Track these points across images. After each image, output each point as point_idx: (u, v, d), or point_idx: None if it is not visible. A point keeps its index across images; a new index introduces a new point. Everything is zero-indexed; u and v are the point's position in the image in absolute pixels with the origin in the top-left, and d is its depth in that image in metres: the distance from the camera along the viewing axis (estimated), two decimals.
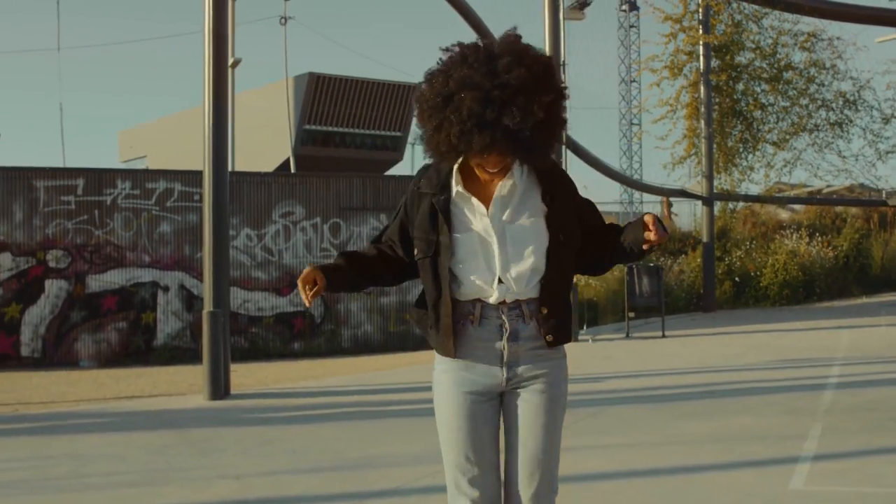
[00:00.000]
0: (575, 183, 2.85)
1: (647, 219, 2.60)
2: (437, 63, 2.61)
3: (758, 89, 20.64)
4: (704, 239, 19.93)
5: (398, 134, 20.03)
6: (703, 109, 19.65)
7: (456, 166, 2.71)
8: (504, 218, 2.68)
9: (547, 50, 14.00)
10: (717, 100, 20.19)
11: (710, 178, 20.01)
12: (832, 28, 21.73)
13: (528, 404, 2.73)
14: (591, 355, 11.77)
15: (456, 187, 2.70)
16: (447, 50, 2.61)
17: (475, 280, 2.68)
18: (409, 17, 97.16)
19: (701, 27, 19.12)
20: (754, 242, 21.92)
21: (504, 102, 2.45)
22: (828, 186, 24.01)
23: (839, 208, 24.58)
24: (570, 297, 2.88)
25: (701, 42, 18.97)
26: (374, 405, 8.49)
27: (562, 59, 14.50)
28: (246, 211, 13.44)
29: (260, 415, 8.10)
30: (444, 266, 2.68)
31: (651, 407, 7.88)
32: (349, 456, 6.08)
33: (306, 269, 2.73)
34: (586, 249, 2.79)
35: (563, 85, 2.64)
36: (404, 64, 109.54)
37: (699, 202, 20.81)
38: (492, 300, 2.69)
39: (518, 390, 2.75)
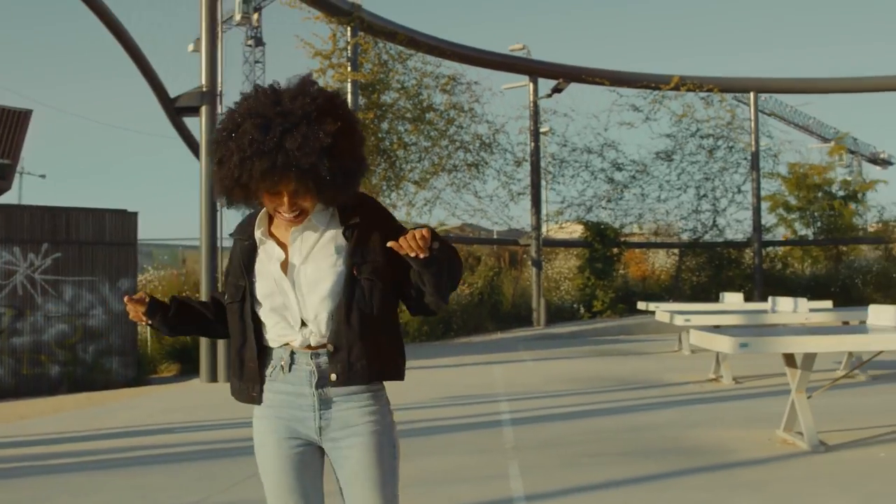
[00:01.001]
0: (389, 213, 2.67)
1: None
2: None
3: (401, 129, 21.04)
4: None
5: (7, 162, 18.30)
6: None
7: (263, 211, 2.59)
8: (296, 261, 2.54)
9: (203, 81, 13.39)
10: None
11: None
12: (470, 72, 22.71)
13: (348, 461, 2.53)
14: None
15: (257, 231, 2.59)
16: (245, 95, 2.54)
17: (278, 324, 2.55)
18: (30, 34, 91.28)
19: (349, 65, 19.17)
20: None
21: (286, 129, 2.39)
22: (441, 225, 24.84)
23: (474, 246, 25.69)
24: (391, 333, 2.67)
25: (349, 79, 19.00)
26: (37, 459, 7.45)
27: (218, 90, 13.83)
28: None
29: None
30: (248, 312, 2.56)
31: None
32: None
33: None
34: (408, 286, 2.62)
35: (352, 118, 2.52)
36: (21, 86, 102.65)
37: None
38: (296, 345, 2.54)
39: (337, 443, 2.55)
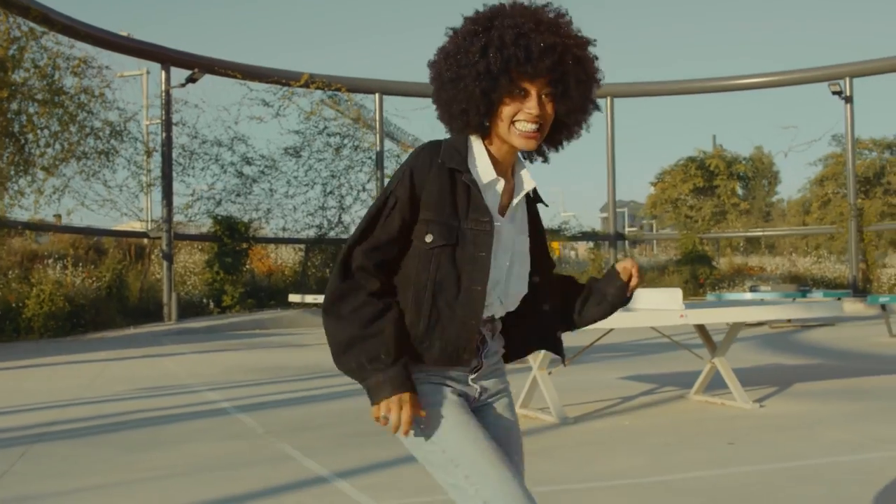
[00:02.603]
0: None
1: (624, 266, 2.49)
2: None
3: (32, 110, 19.51)
4: None
5: None
6: None
7: (478, 146, 2.29)
8: (513, 231, 2.32)
9: None
10: None
11: None
12: (103, 56, 21.58)
13: (500, 420, 2.38)
14: None
15: (477, 167, 2.27)
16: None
17: (490, 289, 2.25)
18: None
19: None
20: (13, 272, 20.56)
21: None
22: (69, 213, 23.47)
23: (99, 238, 24.34)
24: None
25: None
26: None
27: None
28: None
29: None
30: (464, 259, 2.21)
31: (85, 442, 6.89)
32: None
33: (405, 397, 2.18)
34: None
35: None
36: None
37: None
38: (495, 314, 2.31)
39: (489, 407, 2.38)
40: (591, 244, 32.24)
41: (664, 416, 7.57)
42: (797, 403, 7.98)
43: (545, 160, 2.39)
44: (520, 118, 2.22)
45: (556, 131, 2.31)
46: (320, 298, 16.06)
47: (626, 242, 32.22)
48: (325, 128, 26.49)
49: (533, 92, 2.20)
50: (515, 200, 2.30)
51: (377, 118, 26.86)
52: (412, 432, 2.22)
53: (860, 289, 26.04)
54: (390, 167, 27.74)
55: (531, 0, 2.24)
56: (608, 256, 29.99)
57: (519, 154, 2.35)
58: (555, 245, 29.58)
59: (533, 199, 2.42)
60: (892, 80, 41.07)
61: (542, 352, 7.61)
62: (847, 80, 26.47)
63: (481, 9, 2.24)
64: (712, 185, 38.14)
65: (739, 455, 5.86)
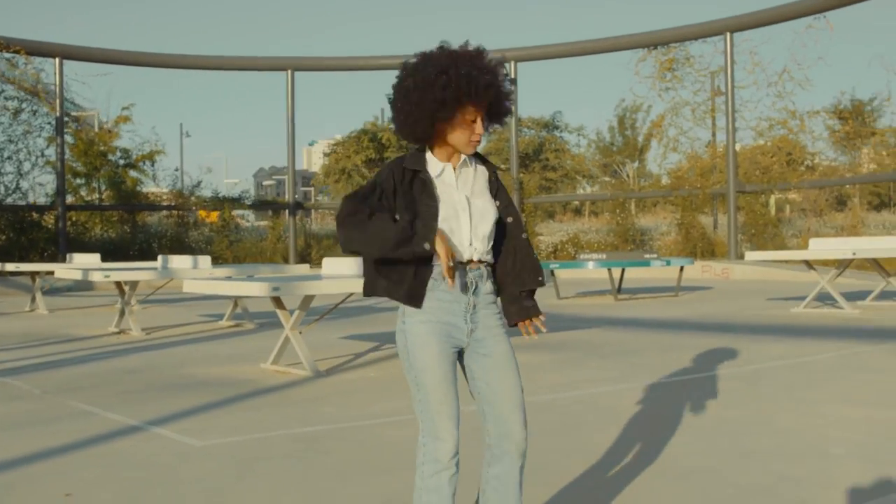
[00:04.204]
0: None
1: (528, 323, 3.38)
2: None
3: None
4: None
5: None
6: None
7: (420, 154, 3.25)
8: (467, 193, 3.25)
9: None
10: None
11: None
12: None
13: (496, 349, 3.25)
14: None
15: (433, 166, 3.24)
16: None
17: (452, 240, 3.17)
18: None
19: None
20: None
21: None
22: None
23: None
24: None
25: None
26: None
27: None
28: None
29: None
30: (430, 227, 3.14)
31: None
32: None
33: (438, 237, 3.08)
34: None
35: None
36: None
37: None
38: (462, 259, 3.19)
39: (482, 342, 3.25)
40: (270, 212, 32.98)
41: (380, 370, 8.71)
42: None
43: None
44: (469, 135, 3.20)
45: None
46: (9, 266, 15.95)
47: (304, 211, 33.21)
48: (2, 91, 25.44)
49: (478, 116, 3.20)
50: (457, 175, 3.25)
51: (57, 83, 26.13)
52: (402, 345, 3.18)
53: None
54: (70, 134, 27.07)
55: (473, 45, 3.22)
56: (286, 223, 30.67)
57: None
58: (226, 213, 29.97)
59: (490, 173, 3.37)
60: (551, 66, 44.95)
61: (295, 312, 8.59)
62: (513, 63, 28.97)
63: (435, 50, 3.19)
64: (383, 157, 40.06)
65: None
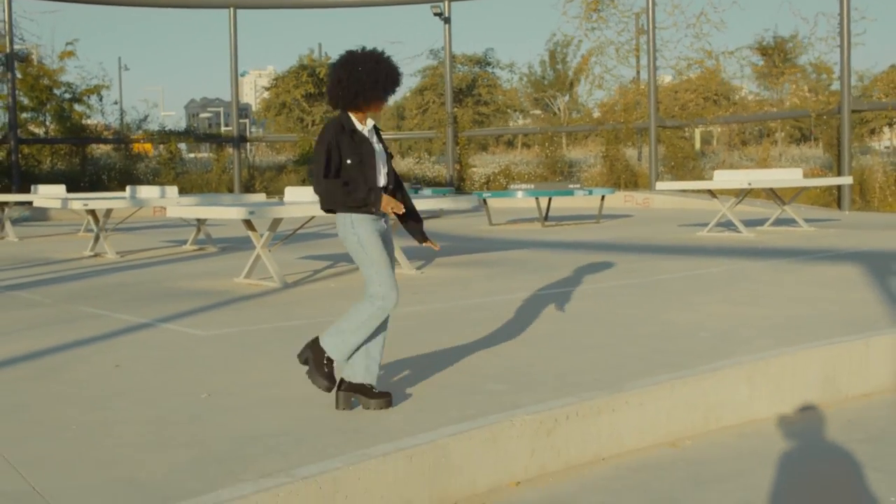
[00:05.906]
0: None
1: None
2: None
3: None
4: None
5: None
6: None
7: (348, 118, 4.87)
8: (374, 143, 4.91)
9: None
10: None
11: None
12: None
13: (389, 235, 4.97)
14: None
15: (362, 128, 4.87)
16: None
17: (377, 175, 4.85)
18: None
19: None
20: None
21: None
22: None
23: None
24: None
25: None
26: None
27: None
28: None
29: None
30: (371, 167, 4.83)
31: None
32: None
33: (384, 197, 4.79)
34: None
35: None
36: None
37: None
38: (381, 184, 4.87)
39: (386, 233, 4.94)
40: (215, 145, 33.96)
41: (338, 282, 10.20)
42: (447, 271, 11.03)
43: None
44: (379, 106, 4.86)
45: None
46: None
47: (249, 144, 34.25)
48: None
49: (387, 96, 4.86)
50: (366, 130, 4.82)
51: (6, 19, 26.77)
52: (356, 240, 4.73)
53: (457, 187, 30.33)
54: (21, 70, 27.74)
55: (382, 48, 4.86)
56: (230, 156, 31.69)
57: None
58: (172, 146, 30.97)
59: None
60: (483, 6, 46.09)
61: (265, 233, 10.01)
62: (447, 2, 30.15)
63: (372, 48, 4.81)
64: (321, 92, 41.01)
65: (428, 299, 8.70)
